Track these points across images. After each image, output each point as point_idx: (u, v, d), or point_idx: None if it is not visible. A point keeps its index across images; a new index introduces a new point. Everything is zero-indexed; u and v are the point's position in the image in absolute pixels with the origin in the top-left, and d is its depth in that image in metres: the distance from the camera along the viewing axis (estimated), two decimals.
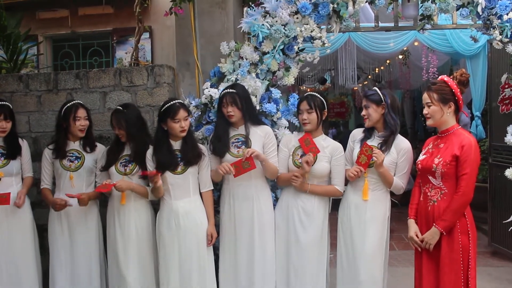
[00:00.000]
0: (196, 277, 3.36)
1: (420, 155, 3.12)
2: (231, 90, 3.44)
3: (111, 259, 3.53)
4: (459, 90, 2.97)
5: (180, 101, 3.42)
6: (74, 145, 3.62)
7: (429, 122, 3.06)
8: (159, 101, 3.99)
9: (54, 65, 5.93)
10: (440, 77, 3.10)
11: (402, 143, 3.29)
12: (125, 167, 3.47)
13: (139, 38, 4.39)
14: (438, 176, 2.94)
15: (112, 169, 3.47)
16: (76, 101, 3.64)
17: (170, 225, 3.36)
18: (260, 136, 3.45)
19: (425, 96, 3.02)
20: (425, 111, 3.03)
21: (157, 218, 3.47)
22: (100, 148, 3.67)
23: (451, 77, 3.03)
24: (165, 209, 3.41)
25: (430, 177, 3.00)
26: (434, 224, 2.92)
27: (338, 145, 3.45)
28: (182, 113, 3.32)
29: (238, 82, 3.73)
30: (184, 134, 3.36)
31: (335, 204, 3.50)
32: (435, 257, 2.95)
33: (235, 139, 3.47)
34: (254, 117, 3.53)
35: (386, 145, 3.26)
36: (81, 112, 3.56)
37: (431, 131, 8.50)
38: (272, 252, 3.47)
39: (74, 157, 3.59)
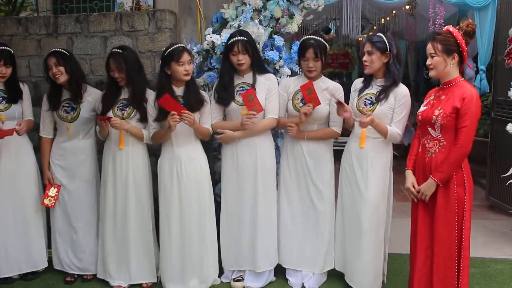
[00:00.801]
0: (196, 224, 3.42)
1: (421, 106, 3.08)
2: (242, 37, 3.36)
3: (105, 204, 3.55)
4: (464, 41, 2.91)
5: (183, 45, 3.38)
6: (66, 95, 3.58)
7: (431, 73, 2.99)
8: (160, 46, 3.94)
9: (53, 9, 5.79)
10: (445, 27, 3.02)
11: (399, 89, 3.24)
12: (123, 111, 3.44)
13: None
14: (438, 127, 2.91)
15: (110, 113, 3.44)
16: (54, 49, 3.55)
17: (172, 172, 3.39)
18: (264, 84, 3.42)
19: (429, 46, 2.95)
20: (428, 61, 2.96)
21: (158, 164, 3.49)
22: (98, 95, 3.61)
23: (457, 27, 2.95)
24: (166, 155, 3.43)
25: (429, 129, 2.97)
26: (430, 175, 2.93)
27: (338, 86, 3.43)
28: (186, 56, 3.28)
29: (241, 28, 3.67)
30: (188, 77, 3.33)
31: (339, 155, 3.51)
32: (431, 208, 2.98)
33: (239, 87, 3.44)
34: (260, 65, 3.49)
35: (385, 93, 3.23)
36: (50, 60, 3.47)
37: (435, 84, 8.44)
38: (274, 200, 3.52)
39: (70, 108, 3.56)
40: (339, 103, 3.20)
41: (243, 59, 3.35)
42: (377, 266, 3.35)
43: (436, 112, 2.91)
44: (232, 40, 3.38)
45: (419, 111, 3.06)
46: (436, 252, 2.94)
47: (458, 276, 2.89)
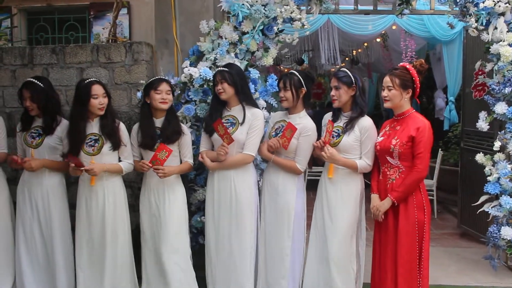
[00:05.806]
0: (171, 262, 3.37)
1: (378, 137, 3.31)
2: (222, 68, 3.44)
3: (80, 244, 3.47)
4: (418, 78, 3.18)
5: (164, 77, 3.46)
6: (39, 122, 3.55)
7: (387, 104, 3.27)
8: (137, 78, 3.97)
9: (28, 39, 5.78)
10: (402, 63, 3.28)
11: (364, 122, 3.33)
12: (93, 147, 3.38)
13: (117, 13, 4.33)
14: (396, 156, 3.15)
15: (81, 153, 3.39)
16: (29, 79, 3.51)
17: (151, 204, 3.43)
18: (248, 119, 3.42)
19: (387, 79, 3.21)
20: (384, 93, 3.23)
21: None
22: (65, 125, 3.52)
23: (412, 65, 3.19)
24: (144, 187, 3.49)
25: (388, 158, 3.21)
26: (388, 194, 3.15)
27: (310, 125, 3.44)
28: (164, 86, 3.37)
29: (216, 61, 3.72)
30: (164, 106, 3.37)
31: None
32: (392, 232, 3.19)
33: (225, 120, 3.45)
34: (248, 98, 3.50)
35: (351, 124, 3.32)
36: (25, 93, 3.45)
37: None
38: (250, 232, 3.45)
39: (36, 134, 3.52)
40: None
41: (222, 89, 3.38)
42: None
43: (393, 142, 3.15)
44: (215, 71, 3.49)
45: (376, 141, 3.28)
46: (400, 272, 3.11)
47: None
